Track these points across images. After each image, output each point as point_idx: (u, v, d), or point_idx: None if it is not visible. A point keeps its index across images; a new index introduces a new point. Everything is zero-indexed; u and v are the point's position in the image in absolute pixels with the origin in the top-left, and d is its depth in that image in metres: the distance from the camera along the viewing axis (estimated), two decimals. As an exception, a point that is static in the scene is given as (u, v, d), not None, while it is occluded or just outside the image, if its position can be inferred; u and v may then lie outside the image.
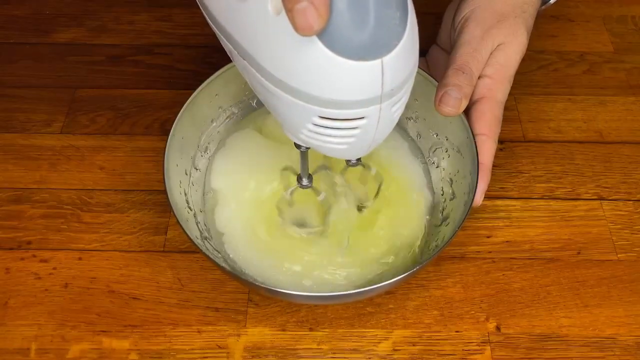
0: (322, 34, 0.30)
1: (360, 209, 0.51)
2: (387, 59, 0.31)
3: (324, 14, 0.28)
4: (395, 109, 0.35)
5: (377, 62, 0.31)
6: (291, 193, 0.49)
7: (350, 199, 0.51)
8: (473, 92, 0.50)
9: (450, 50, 0.54)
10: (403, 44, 0.32)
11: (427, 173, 0.54)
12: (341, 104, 0.33)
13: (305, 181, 0.47)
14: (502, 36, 0.49)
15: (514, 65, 0.50)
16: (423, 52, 0.58)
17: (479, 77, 0.50)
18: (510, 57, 0.50)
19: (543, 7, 0.55)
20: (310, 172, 0.47)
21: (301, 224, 0.50)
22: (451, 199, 0.51)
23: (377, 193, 0.51)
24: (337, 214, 0.50)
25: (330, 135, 0.35)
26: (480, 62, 0.49)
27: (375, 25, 0.30)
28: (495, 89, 0.50)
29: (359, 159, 0.47)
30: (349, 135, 0.35)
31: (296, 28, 0.29)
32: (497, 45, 0.50)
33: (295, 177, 0.48)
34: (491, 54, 0.50)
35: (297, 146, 0.42)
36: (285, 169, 0.50)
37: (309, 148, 0.41)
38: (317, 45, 0.30)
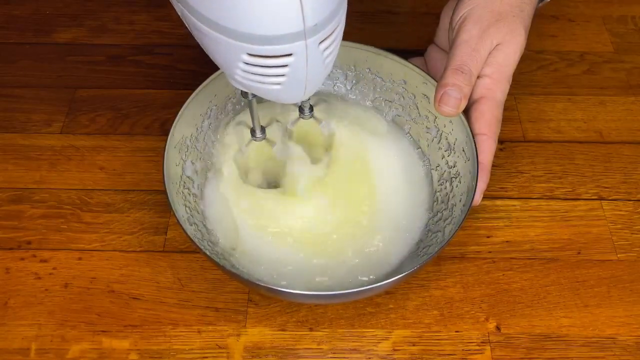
0: None
1: (316, 161, 0.52)
2: None
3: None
4: (324, 47, 0.36)
5: None
6: (247, 145, 0.50)
7: (305, 153, 0.52)
8: (472, 92, 0.50)
9: (448, 49, 0.54)
10: None
11: (428, 172, 0.54)
12: (266, 39, 0.34)
13: (258, 133, 0.48)
14: (500, 35, 0.49)
15: (513, 65, 0.50)
16: (421, 52, 0.58)
17: (478, 77, 0.50)
18: (509, 57, 0.50)
19: (540, 4, 0.55)
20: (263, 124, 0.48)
21: (265, 183, 0.52)
22: (451, 199, 0.50)
23: (330, 147, 0.52)
24: (294, 168, 0.51)
25: (261, 75, 0.36)
26: (479, 61, 0.49)
27: None
28: (495, 88, 0.50)
29: (311, 111, 0.49)
30: (279, 74, 0.36)
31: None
32: (496, 45, 0.49)
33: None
34: (490, 53, 0.50)
35: (243, 95, 0.43)
36: (239, 123, 0.51)
37: (254, 96, 0.43)
38: None
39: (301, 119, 0.50)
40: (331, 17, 0.35)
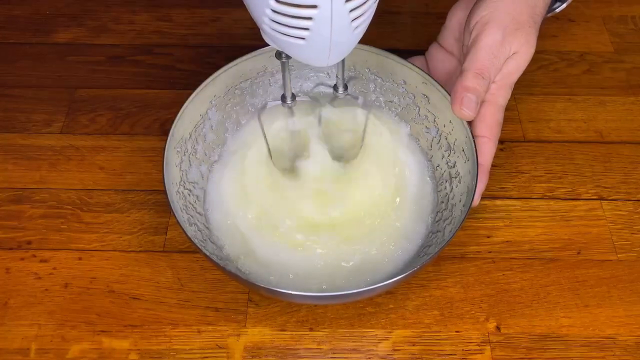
0: None
1: (339, 158, 0.53)
2: None
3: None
4: (351, 7, 0.36)
5: None
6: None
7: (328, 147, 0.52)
8: None
9: (454, 50, 0.54)
10: None
11: (432, 175, 0.54)
12: None
13: (288, 100, 0.48)
14: (517, 45, 0.50)
15: (519, 73, 0.51)
16: (422, 52, 0.58)
17: None
18: (519, 66, 0.50)
19: (548, 14, 0.55)
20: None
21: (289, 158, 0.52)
22: (451, 199, 0.50)
23: (362, 141, 0.52)
24: (316, 164, 0.52)
25: (286, 26, 0.37)
26: (497, 69, 0.50)
27: None
28: (498, 94, 0.50)
29: (345, 89, 0.49)
30: (304, 27, 0.36)
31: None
32: (512, 54, 0.50)
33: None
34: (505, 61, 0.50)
35: (278, 56, 0.43)
36: (261, 111, 0.51)
37: (288, 58, 0.43)
38: None
39: (337, 98, 0.50)
40: None
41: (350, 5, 0.36)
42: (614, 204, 0.55)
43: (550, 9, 0.56)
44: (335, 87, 0.49)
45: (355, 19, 0.37)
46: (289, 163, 0.53)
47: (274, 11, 0.36)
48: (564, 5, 0.57)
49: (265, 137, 0.50)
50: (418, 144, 0.55)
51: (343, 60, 0.46)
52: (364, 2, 0.37)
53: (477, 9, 0.51)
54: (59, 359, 0.47)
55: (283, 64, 0.45)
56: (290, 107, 0.49)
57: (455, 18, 0.54)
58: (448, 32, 0.55)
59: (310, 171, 0.51)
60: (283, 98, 0.48)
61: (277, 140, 0.52)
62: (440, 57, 0.56)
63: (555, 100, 0.62)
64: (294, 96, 0.48)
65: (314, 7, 0.35)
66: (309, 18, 0.36)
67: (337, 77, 0.48)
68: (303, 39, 0.37)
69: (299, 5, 0.35)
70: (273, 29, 0.38)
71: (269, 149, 0.51)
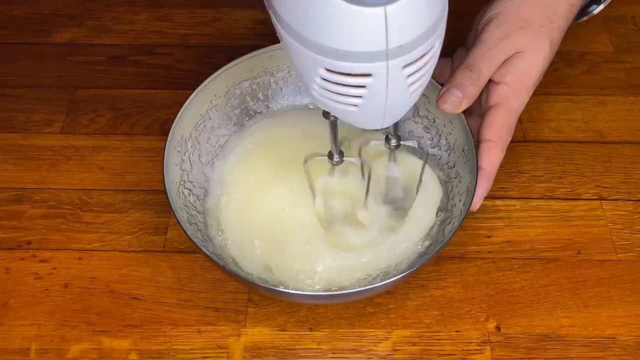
0: None
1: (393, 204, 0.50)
2: (392, 8, 0.29)
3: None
4: (408, 72, 0.33)
5: (379, 10, 0.29)
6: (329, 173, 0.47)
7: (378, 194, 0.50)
8: (488, 98, 0.50)
9: None
10: None
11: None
12: (345, 55, 0.32)
13: (336, 157, 0.46)
14: (523, 43, 0.48)
15: (535, 76, 0.49)
16: (448, 52, 0.57)
17: (497, 84, 0.49)
18: (531, 67, 0.49)
19: (582, 19, 0.54)
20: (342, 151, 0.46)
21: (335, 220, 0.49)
22: (451, 199, 0.51)
23: (418, 187, 0.49)
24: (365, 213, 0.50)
25: (338, 93, 0.34)
26: (492, 62, 0.48)
27: None
28: (512, 97, 0.49)
29: (398, 141, 0.46)
30: (357, 95, 0.34)
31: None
32: (517, 52, 0.49)
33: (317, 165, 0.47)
34: (511, 60, 0.49)
35: (325, 115, 0.41)
36: (308, 159, 0.47)
37: (337, 118, 0.41)
38: None
39: (391, 150, 0.47)
40: (421, 40, 0.32)
41: (408, 70, 0.33)
42: (614, 204, 0.55)
43: (586, 11, 0.55)
44: (387, 140, 0.47)
45: (413, 83, 0.34)
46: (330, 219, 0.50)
47: (324, 79, 0.34)
48: (602, 7, 0.55)
49: (311, 185, 0.48)
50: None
51: None
52: (424, 65, 0.34)
53: (486, 10, 0.50)
54: (59, 359, 0.47)
55: (332, 123, 0.42)
56: (336, 165, 0.46)
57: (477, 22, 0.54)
58: (473, 34, 0.55)
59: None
60: (330, 155, 0.46)
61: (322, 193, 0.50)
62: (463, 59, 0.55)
63: (555, 100, 0.62)
64: (341, 152, 0.46)
65: (368, 75, 0.32)
66: (362, 86, 0.33)
67: (389, 132, 0.46)
68: (355, 105, 0.35)
69: (351, 75, 0.33)
70: (322, 95, 0.35)
71: (313, 196, 0.49)
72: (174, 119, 0.49)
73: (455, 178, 0.51)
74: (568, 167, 0.57)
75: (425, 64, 0.34)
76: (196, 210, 0.50)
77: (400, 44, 0.31)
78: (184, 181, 0.50)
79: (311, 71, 0.34)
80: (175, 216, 0.45)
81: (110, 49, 0.66)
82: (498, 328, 0.48)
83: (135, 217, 0.54)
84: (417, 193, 0.50)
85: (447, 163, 0.52)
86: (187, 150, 0.51)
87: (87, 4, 0.71)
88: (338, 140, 0.45)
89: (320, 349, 0.47)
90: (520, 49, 0.49)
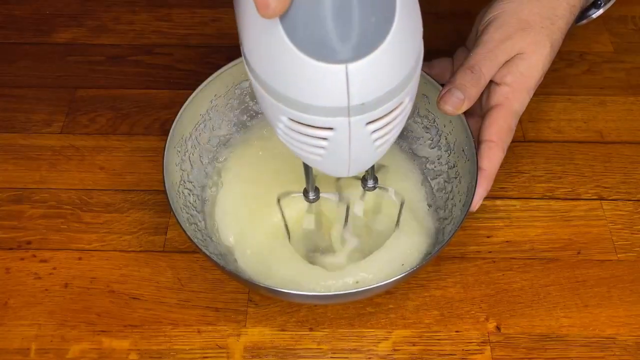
0: (285, 19, 0.28)
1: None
2: (354, 66, 0.28)
3: None
4: (373, 129, 0.32)
5: (341, 67, 0.28)
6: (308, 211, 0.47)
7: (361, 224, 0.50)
8: (489, 99, 0.50)
9: None
10: (379, 53, 0.28)
11: (427, 171, 0.54)
12: (306, 107, 0.31)
13: (311, 195, 0.46)
14: (524, 44, 0.48)
15: (536, 77, 0.49)
16: (448, 52, 0.57)
17: (498, 84, 0.49)
18: (532, 68, 0.49)
19: (581, 22, 0.54)
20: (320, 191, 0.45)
21: (314, 249, 0.50)
22: (450, 199, 0.51)
23: (398, 220, 0.49)
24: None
25: (301, 142, 0.34)
26: (493, 64, 0.48)
27: (344, 24, 0.27)
28: (513, 98, 0.49)
29: (375, 183, 0.46)
30: (319, 146, 0.33)
31: (256, 6, 0.27)
32: (518, 54, 0.49)
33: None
34: (512, 61, 0.49)
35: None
36: (281, 197, 0.48)
37: None
38: (278, 31, 0.28)
39: (366, 191, 0.47)
40: (386, 98, 0.31)
41: (373, 127, 0.32)
42: (614, 204, 0.55)
43: (585, 15, 0.55)
44: (363, 180, 0.46)
45: (378, 138, 0.34)
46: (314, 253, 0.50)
47: (288, 127, 0.33)
48: (601, 11, 0.55)
49: (285, 223, 0.49)
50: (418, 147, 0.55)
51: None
52: (391, 121, 0.33)
53: (486, 11, 0.50)
54: (59, 359, 0.47)
55: (305, 163, 0.42)
56: (312, 202, 0.46)
57: (478, 23, 0.54)
58: (473, 35, 0.55)
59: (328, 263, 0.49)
60: (305, 192, 0.46)
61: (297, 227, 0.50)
62: (464, 60, 0.55)
63: (555, 100, 0.62)
64: (317, 190, 0.46)
65: (330, 129, 0.32)
66: (325, 138, 0.33)
67: (365, 173, 0.46)
68: (320, 155, 0.34)
69: (313, 127, 0.32)
70: (287, 141, 0.35)
71: (287, 232, 0.49)
72: (174, 119, 0.49)
73: (455, 178, 0.51)
74: (568, 167, 0.57)
75: (392, 120, 0.33)
76: (196, 210, 0.50)
77: (362, 102, 0.30)
78: (184, 181, 0.50)
79: (275, 118, 0.33)
80: (175, 216, 0.45)
81: (110, 49, 0.66)
82: (498, 328, 0.48)
83: (135, 217, 0.54)
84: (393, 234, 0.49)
85: (447, 163, 0.52)
86: (187, 150, 0.51)
87: (87, 4, 0.71)
88: (312, 177, 0.44)
89: (320, 349, 0.47)
90: (521, 50, 0.49)
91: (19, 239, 0.53)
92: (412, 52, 0.31)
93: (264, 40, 0.30)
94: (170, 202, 0.45)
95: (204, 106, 0.52)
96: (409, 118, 0.55)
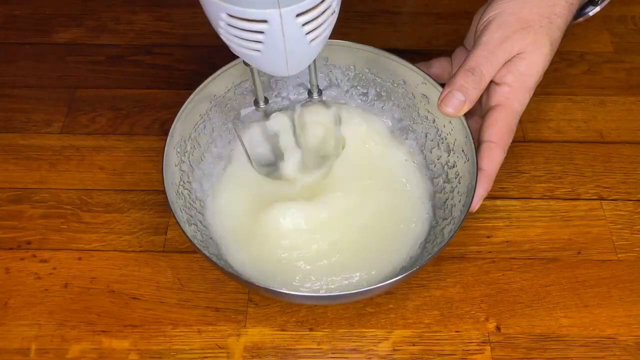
0: None
1: (324, 157, 0.53)
2: None
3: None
4: (303, 22, 0.36)
5: None
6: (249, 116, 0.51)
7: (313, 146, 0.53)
8: (489, 99, 0.50)
9: None
10: None
11: (427, 171, 0.54)
12: (243, 1, 0.35)
13: (261, 104, 0.48)
14: (523, 44, 0.48)
15: (536, 76, 0.49)
16: (447, 52, 0.57)
17: (498, 85, 0.49)
18: (532, 67, 0.49)
19: (577, 20, 0.54)
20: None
21: (270, 163, 0.52)
22: (450, 199, 0.50)
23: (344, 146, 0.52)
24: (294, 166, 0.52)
25: (241, 39, 0.37)
26: (494, 65, 0.48)
27: None
28: (513, 98, 0.49)
29: (320, 94, 0.49)
30: (256, 40, 0.37)
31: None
32: (518, 53, 0.49)
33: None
34: (512, 61, 0.49)
35: (245, 63, 0.43)
36: (235, 121, 0.52)
37: None
38: None
39: (309, 102, 0.50)
40: None
41: (303, 19, 0.36)
42: (614, 204, 0.55)
43: (581, 12, 0.55)
44: (309, 92, 0.50)
45: (309, 32, 0.37)
46: (271, 168, 0.53)
47: (228, 24, 0.37)
48: (598, 9, 0.55)
49: (242, 143, 0.51)
50: (419, 147, 0.55)
51: (315, 66, 0.46)
52: (318, 16, 0.37)
53: (485, 12, 0.50)
54: (59, 359, 0.47)
55: (252, 70, 0.45)
56: (264, 111, 0.49)
57: (476, 22, 0.54)
58: (471, 35, 0.55)
59: (291, 174, 0.52)
60: (255, 102, 0.48)
61: (256, 145, 0.53)
62: (462, 59, 0.55)
63: (555, 100, 0.62)
64: (266, 99, 0.49)
65: (264, 21, 0.35)
66: (261, 32, 0.36)
67: (310, 83, 0.49)
68: (258, 50, 0.38)
69: (249, 20, 0.36)
70: (227, 39, 0.38)
71: (248, 156, 0.52)
72: (174, 119, 0.49)
73: (455, 178, 0.51)
74: (568, 167, 0.57)
75: (320, 14, 0.36)
76: (196, 210, 0.50)
77: None
78: (183, 181, 0.50)
79: (215, 16, 0.37)
80: (175, 216, 0.45)
81: (110, 49, 0.66)
82: (498, 328, 0.48)
83: (135, 217, 0.54)
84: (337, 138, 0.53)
85: (447, 163, 0.52)
86: (187, 151, 0.51)
87: (87, 4, 0.71)
88: (261, 87, 0.47)
89: (320, 349, 0.47)
90: (521, 50, 0.49)
91: (19, 239, 0.53)
92: None
93: None
94: (170, 202, 0.45)
95: (204, 106, 0.52)
96: (409, 118, 0.55)
